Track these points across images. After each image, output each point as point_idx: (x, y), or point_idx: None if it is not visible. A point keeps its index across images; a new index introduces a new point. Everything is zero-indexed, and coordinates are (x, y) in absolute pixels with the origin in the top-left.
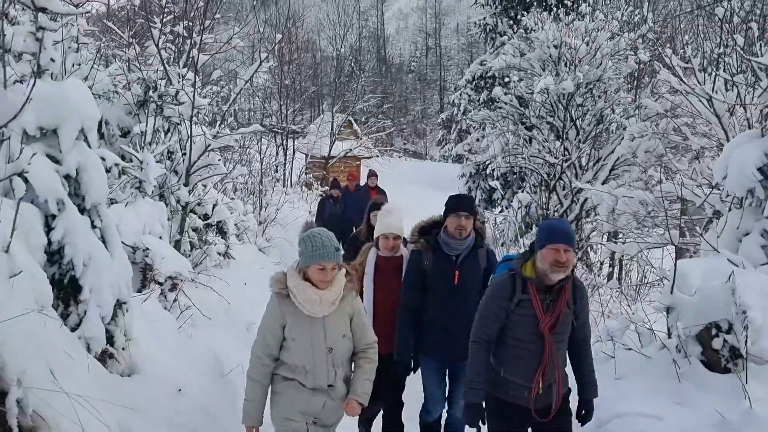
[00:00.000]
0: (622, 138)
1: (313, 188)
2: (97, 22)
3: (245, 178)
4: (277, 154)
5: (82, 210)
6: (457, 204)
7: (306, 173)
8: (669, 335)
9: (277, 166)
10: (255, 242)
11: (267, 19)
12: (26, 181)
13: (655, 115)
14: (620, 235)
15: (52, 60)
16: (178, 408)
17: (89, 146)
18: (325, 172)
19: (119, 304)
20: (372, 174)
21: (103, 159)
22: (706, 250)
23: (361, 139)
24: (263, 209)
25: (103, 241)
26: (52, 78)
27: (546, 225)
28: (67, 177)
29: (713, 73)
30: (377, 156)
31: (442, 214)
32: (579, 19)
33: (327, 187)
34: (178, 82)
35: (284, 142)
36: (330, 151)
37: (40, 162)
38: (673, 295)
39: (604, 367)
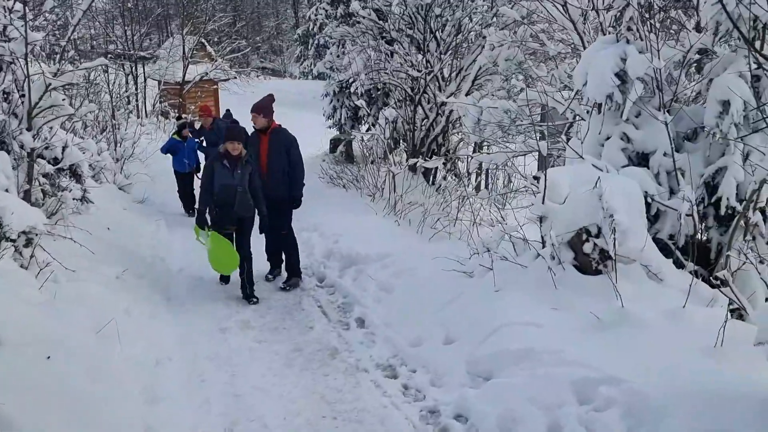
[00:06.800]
0: (483, 47)
1: (170, 116)
2: None
3: (95, 114)
4: (127, 83)
5: None
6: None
7: (161, 102)
8: (543, 244)
9: (129, 97)
10: (114, 181)
11: None
12: None
13: (513, 23)
14: (485, 145)
15: None
16: (47, 376)
17: None
18: (181, 99)
19: None
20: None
21: None
22: (571, 157)
23: (216, 61)
24: (119, 145)
25: None
26: None
27: None
28: None
29: None
30: (235, 78)
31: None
32: None
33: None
34: (5, 16)
35: (133, 69)
36: (184, 76)
37: None
38: (545, 204)
39: (483, 280)
